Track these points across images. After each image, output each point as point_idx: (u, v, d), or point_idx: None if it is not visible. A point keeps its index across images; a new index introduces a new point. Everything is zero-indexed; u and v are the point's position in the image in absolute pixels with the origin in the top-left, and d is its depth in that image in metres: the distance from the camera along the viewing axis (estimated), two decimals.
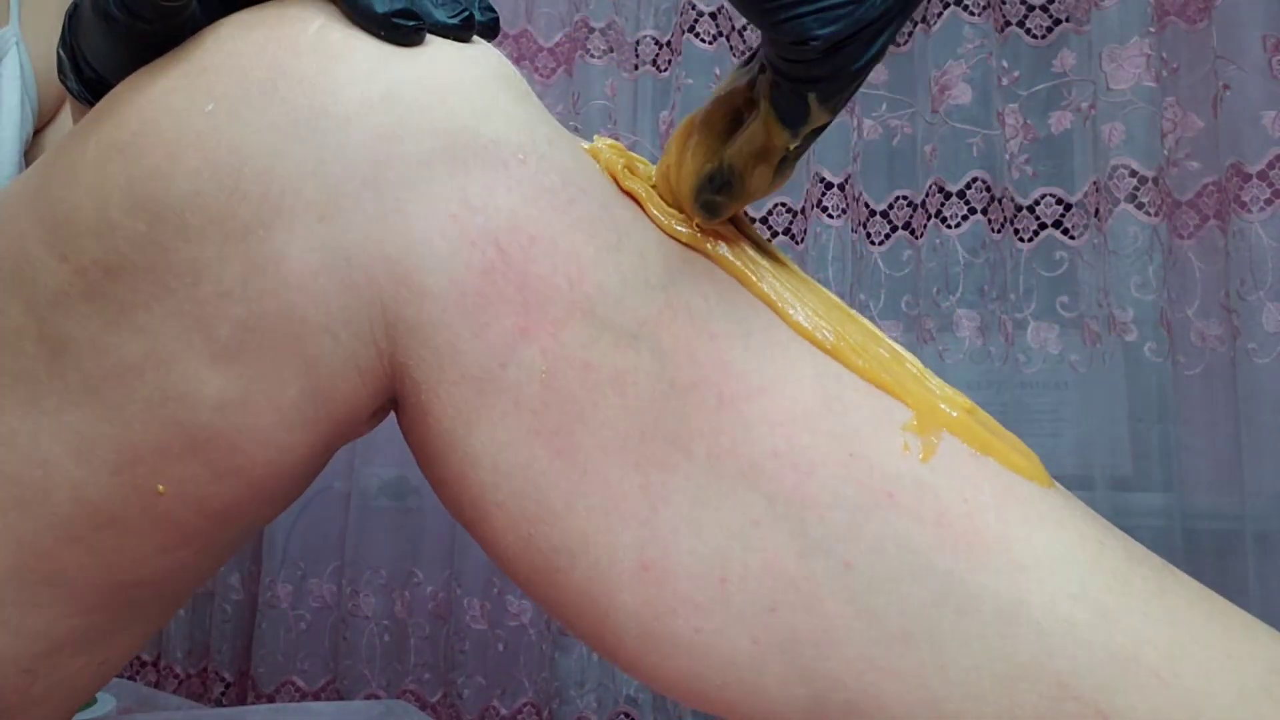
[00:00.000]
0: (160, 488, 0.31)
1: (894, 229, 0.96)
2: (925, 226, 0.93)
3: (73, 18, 0.34)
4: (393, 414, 0.35)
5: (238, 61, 0.30)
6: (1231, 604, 0.31)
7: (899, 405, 0.31)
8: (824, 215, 0.96)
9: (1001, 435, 0.32)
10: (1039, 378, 0.90)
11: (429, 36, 0.32)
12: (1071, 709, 0.28)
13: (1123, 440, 0.87)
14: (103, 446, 0.30)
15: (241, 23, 0.31)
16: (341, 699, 1.00)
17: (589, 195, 0.32)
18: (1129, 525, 0.35)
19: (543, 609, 0.62)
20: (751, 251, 0.33)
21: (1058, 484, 0.33)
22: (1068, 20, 0.92)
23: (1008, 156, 0.91)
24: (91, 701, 0.70)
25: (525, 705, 0.97)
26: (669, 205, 0.33)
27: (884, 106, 0.98)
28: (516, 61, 1.05)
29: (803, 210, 0.99)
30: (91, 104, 0.34)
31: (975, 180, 0.92)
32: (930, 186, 0.92)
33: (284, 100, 0.30)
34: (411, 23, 0.31)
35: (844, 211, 0.96)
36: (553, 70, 1.06)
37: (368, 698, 0.99)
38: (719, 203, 0.32)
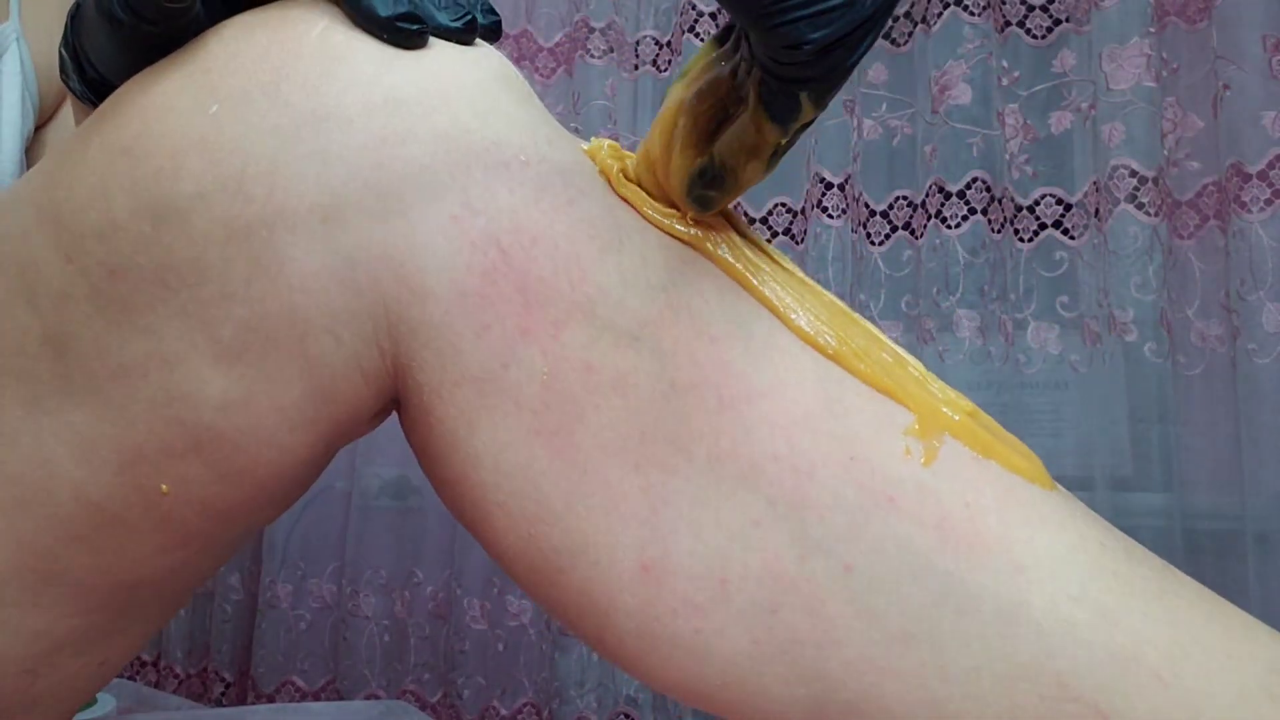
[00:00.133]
0: (164, 488, 0.31)
1: (894, 229, 0.95)
2: (925, 227, 0.93)
3: (75, 18, 0.34)
4: (394, 414, 0.35)
5: (241, 63, 0.30)
6: (1231, 604, 0.31)
7: (901, 409, 0.31)
8: (824, 215, 0.96)
9: (1003, 438, 0.32)
10: (1039, 378, 0.90)
11: (431, 39, 0.32)
12: (1072, 709, 0.28)
13: (1123, 440, 0.87)
14: (105, 446, 0.30)
15: (245, 25, 0.31)
16: (341, 699, 1.00)
17: (590, 196, 0.32)
18: (1129, 525, 0.35)
19: (543, 609, 0.62)
20: (751, 254, 0.33)
21: (1059, 486, 0.33)
22: (1068, 20, 0.92)
23: (1008, 156, 0.91)
24: (91, 701, 0.70)
25: (525, 705, 0.97)
26: (655, 198, 0.33)
27: (884, 106, 0.98)
28: (517, 62, 1.05)
29: (803, 210, 0.99)
30: (94, 104, 0.34)
31: (975, 180, 0.92)
32: (930, 186, 0.92)
33: (287, 102, 0.30)
34: (414, 26, 0.31)
35: (844, 212, 0.96)
36: (553, 70, 1.06)
37: (368, 698, 0.99)
38: (711, 197, 0.32)
